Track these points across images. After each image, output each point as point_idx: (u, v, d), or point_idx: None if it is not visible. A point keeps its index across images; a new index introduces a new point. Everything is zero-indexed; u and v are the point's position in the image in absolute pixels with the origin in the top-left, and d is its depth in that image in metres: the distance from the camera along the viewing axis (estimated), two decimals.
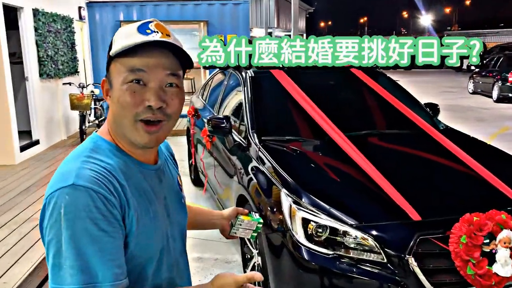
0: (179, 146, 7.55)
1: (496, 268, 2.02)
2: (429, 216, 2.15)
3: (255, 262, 2.81)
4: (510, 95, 12.15)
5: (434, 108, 3.83)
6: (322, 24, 63.11)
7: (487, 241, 2.02)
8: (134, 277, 0.95)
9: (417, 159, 2.84)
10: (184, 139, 5.95)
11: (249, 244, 2.91)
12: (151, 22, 0.98)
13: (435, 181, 2.50)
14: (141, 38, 0.94)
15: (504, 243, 2.03)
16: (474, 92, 15.02)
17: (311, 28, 47.28)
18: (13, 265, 3.15)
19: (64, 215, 0.85)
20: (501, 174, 2.49)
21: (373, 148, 2.97)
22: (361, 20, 64.95)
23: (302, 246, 2.21)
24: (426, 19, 43.53)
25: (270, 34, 22.17)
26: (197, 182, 5.24)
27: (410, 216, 2.14)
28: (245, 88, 3.58)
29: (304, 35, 30.75)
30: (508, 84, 12.13)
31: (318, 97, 3.32)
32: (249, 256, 2.95)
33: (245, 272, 3.02)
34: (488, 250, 2.02)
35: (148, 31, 0.96)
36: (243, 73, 3.80)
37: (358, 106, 3.70)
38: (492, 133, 8.24)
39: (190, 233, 4.05)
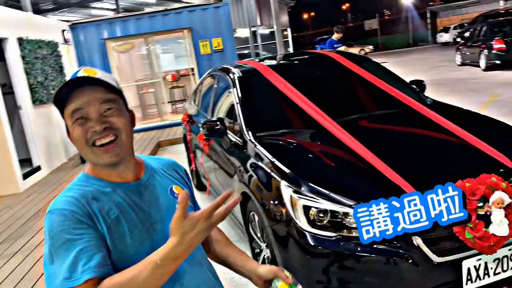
0: (177, 154, 7.65)
1: (492, 228, 2.10)
2: (423, 187, 2.23)
3: (264, 255, 2.90)
4: (497, 62, 12.24)
5: (420, 85, 3.92)
6: (305, 16, 63.15)
7: (481, 204, 2.11)
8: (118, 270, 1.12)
9: (407, 135, 2.93)
10: (181, 147, 6.04)
11: (256, 239, 3.00)
12: (80, 68, 1.18)
13: (426, 154, 2.58)
14: (67, 82, 1.15)
15: (498, 204, 2.12)
16: (462, 64, 15.12)
17: (295, 21, 47.36)
18: None
19: (47, 234, 1.11)
20: (489, 140, 2.58)
21: (364, 130, 3.06)
22: (344, 7, 65.00)
23: (306, 232, 2.29)
24: None
25: (254, 33, 22.26)
26: (200, 187, 5.32)
27: (405, 190, 2.22)
28: (235, 88, 3.66)
29: (289, 29, 30.82)
30: (494, 51, 12.22)
31: (306, 88, 3.41)
32: (258, 250, 3.04)
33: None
34: (483, 213, 2.11)
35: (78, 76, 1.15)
36: (231, 75, 3.88)
37: (346, 92, 3.79)
38: (484, 101, 8.34)
39: None
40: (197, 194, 5.33)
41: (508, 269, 2.23)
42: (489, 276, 2.21)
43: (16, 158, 6.16)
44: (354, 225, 2.23)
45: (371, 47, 36.45)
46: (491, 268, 2.20)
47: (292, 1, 32.80)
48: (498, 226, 2.11)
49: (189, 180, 1.43)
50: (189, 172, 5.42)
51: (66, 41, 9.28)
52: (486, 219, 2.12)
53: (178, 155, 7.58)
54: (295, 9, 40.84)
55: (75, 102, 1.14)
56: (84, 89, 1.14)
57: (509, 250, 2.21)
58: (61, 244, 1.07)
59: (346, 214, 2.24)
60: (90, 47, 9.97)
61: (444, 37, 31.71)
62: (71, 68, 9.40)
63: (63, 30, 9.29)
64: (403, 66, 17.77)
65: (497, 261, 2.21)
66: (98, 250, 1.08)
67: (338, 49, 8.63)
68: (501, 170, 2.33)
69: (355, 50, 33.69)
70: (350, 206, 2.24)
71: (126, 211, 1.17)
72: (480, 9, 31.48)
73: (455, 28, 30.32)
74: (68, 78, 6.92)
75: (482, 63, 13.02)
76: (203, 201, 5.01)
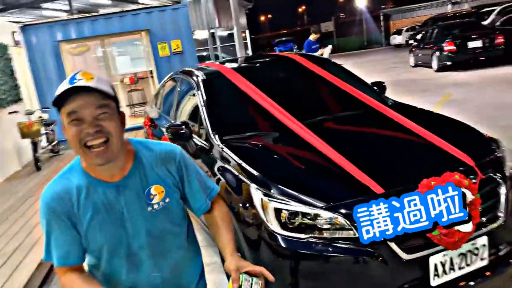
0: None
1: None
2: (391, 187, 2.28)
3: None
4: (448, 63, 12.77)
5: (380, 86, 4.02)
6: (262, 18, 63.59)
7: None
8: (94, 258, 1.45)
9: (372, 136, 2.99)
10: None
11: None
12: (78, 72, 1.31)
13: (391, 154, 2.64)
14: (65, 87, 1.26)
15: None
16: (415, 65, 15.68)
17: (253, 24, 47.60)
18: None
19: (40, 213, 1.40)
20: (448, 138, 2.67)
21: (330, 131, 3.09)
22: (300, 10, 65.96)
23: (277, 235, 2.29)
24: (361, 1, 44.83)
25: (213, 35, 22.16)
26: None
27: (373, 190, 2.27)
28: (199, 91, 3.62)
29: (247, 31, 30.92)
30: (445, 53, 12.76)
31: (271, 90, 3.42)
32: None
33: (226, 272, 3.07)
34: None
35: (75, 80, 1.27)
36: (194, 77, 3.83)
37: (310, 94, 3.83)
38: (437, 101, 8.68)
39: None
40: None
41: (471, 263, 2.32)
42: (454, 271, 2.28)
43: None
44: (325, 226, 2.25)
45: (330, 46, 37.11)
46: (456, 263, 2.28)
47: (250, 3, 32.93)
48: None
49: (185, 165, 1.51)
50: None
51: (16, 44, 8.88)
52: None
53: None
54: (253, 11, 41.04)
55: (71, 104, 1.26)
56: (80, 92, 1.26)
57: (472, 244, 2.30)
58: (43, 227, 1.38)
59: (316, 215, 2.26)
60: (43, 49, 9.57)
61: (397, 39, 32.78)
62: (22, 71, 9.00)
63: (13, 32, 8.88)
64: (360, 68, 18.22)
65: (461, 256, 2.28)
66: (68, 244, 1.37)
67: (317, 53, 8.83)
68: (462, 168, 2.41)
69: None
70: (320, 207, 2.25)
71: (100, 211, 1.37)
72: (430, 13, 32.75)
73: (407, 30, 31.39)
74: (20, 81, 6.64)
75: (434, 64, 13.56)
76: None
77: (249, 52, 27.13)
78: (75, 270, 1.39)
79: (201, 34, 23.11)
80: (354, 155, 2.57)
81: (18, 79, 8.21)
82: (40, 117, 7.60)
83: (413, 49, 15.95)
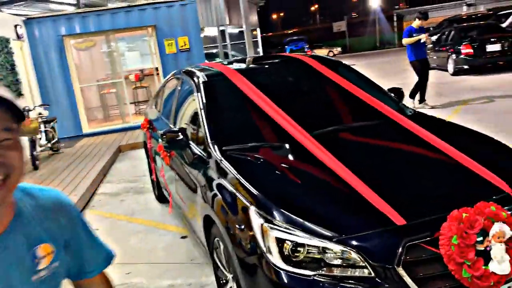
0: (139, 160, 7.18)
1: (492, 266, 1.83)
2: (414, 218, 1.94)
3: (231, 287, 2.55)
4: (465, 67, 12.32)
5: (398, 93, 3.67)
6: (274, 16, 63.13)
7: (481, 238, 1.83)
8: None
9: (391, 152, 2.64)
10: (143, 151, 5.62)
11: (222, 268, 2.65)
12: None
13: (414, 176, 2.29)
14: None
15: (498, 237, 1.84)
16: (430, 68, 15.20)
17: (264, 21, 47.19)
18: None
19: None
20: (479, 159, 2.32)
21: (342, 145, 2.75)
22: (312, 8, 65.39)
23: (279, 270, 1.96)
24: (374, 0, 44.22)
25: (222, 32, 21.87)
26: (161, 198, 4.91)
27: (393, 221, 1.93)
28: (199, 94, 3.29)
29: (258, 29, 30.56)
30: (462, 56, 12.30)
31: (278, 96, 3.09)
32: (224, 281, 2.68)
33: None
34: (482, 248, 1.84)
35: None
36: (195, 78, 3.51)
37: (321, 100, 3.48)
38: (454, 108, 8.27)
39: (157, 258, 3.67)
40: (160, 208, 4.93)
41: None
42: None
43: None
44: (335, 262, 1.92)
45: (339, 49, 36.68)
46: None
47: (262, 1, 32.55)
48: (499, 263, 1.84)
49: (80, 224, 1.18)
50: (149, 181, 4.94)
51: (19, 37, 8.63)
52: (486, 255, 1.84)
53: (139, 161, 7.12)
54: (265, 9, 40.67)
55: None
56: None
57: (509, 287, 1.95)
58: None
59: (326, 249, 1.92)
60: (46, 43, 9.31)
61: None
62: (25, 66, 8.76)
63: (16, 25, 8.63)
64: (372, 69, 17.79)
65: None
66: None
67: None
68: (497, 196, 2.06)
69: (323, 52, 33.85)
70: (331, 239, 1.92)
71: None
72: (444, 14, 32.14)
73: None
74: (21, 76, 6.34)
75: (450, 67, 13.09)
76: (167, 215, 4.61)
77: (260, 50, 26.77)
78: None
79: (211, 31, 22.83)
80: (371, 175, 2.23)
81: (20, 73, 7.96)
82: (40, 114, 7.35)
83: (428, 51, 15.47)
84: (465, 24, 16.15)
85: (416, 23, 8.24)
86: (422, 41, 8.09)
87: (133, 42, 11.79)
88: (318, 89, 3.54)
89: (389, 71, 16.48)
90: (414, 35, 8.17)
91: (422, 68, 8.44)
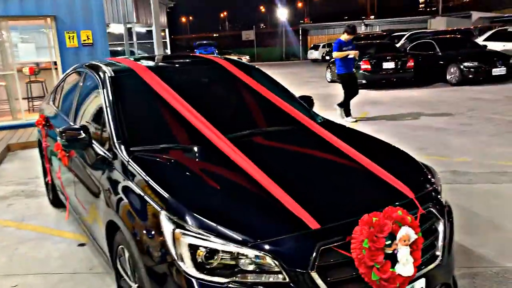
0: (31, 162, 6.55)
1: (398, 268, 1.90)
2: (328, 222, 1.95)
3: None
4: (363, 81, 13.20)
5: (308, 101, 3.75)
6: (183, 19, 62.39)
7: (389, 242, 1.90)
8: None
9: (304, 157, 2.66)
10: (37, 151, 5.10)
11: (126, 277, 2.45)
12: None
13: (326, 181, 2.32)
14: None
15: (404, 241, 1.92)
16: (332, 81, 16.07)
17: (173, 24, 46.37)
18: None
19: None
20: (385, 166, 2.43)
21: (257, 149, 2.71)
22: (222, 15, 65.85)
23: (192, 278, 1.84)
24: (282, 13, 45.85)
25: (129, 30, 21.03)
26: (56, 202, 4.49)
27: (308, 225, 1.92)
28: (105, 90, 3.05)
29: (167, 30, 29.95)
30: (361, 71, 13.16)
31: (191, 96, 2.97)
32: None
33: None
34: (390, 252, 1.90)
35: None
36: (101, 73, 3.25)
37: (235, 103, 3.43)
38: (355, 118, 8.78)
39: (52, 267, 3.34)
40: (54, 213, 4.50)
41: None
42: None
43: None
44: (249, 268, 1.86)
45: (247, 57, 37.31)
46: None
47: (171, 2, 31.99)
48: (404, 266, 1.91)
49: None
50: (43, 184, 4.53)
51: None
52: (392, 258, 1.91)
53: (32, 162, 6.48)
54: (174, 10, 40.02)
55: None
56: None
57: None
58: None
59: (241, 255, 1.85)
60: None
61: (314, 54, 33.83)
62: None
63: None
64: (279, 79, 18.34)
65: None
66: None
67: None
68: (402, 201, 2.17)
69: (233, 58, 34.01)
70: (246, 244, 1.85)
71: None
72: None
73: (323, 46, 32.55)
74: None
75: None
76: (62, 221, 4.21)
77: (168, 52, 26.23)
78: None
79: (117, 28, 21.85)
80: (286, 181, 2.21)
81: None
82: None
83: (330, 65, 16.34)
84: (363, 42, 17.38)
85: (344, 37, 8.49)
86: (350, 56, 8.36)
87: (28, 33, 10.80)
88: (232, 92, 3.49)
89: (295, 82, 17.11)
90: (344, 48, 8.38)
91: (349, 81, 8.67)
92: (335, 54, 8.44)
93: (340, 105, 8.94)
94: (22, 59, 10.39)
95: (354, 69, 8.81)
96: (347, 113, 8.77)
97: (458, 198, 4.23)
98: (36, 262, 3.45)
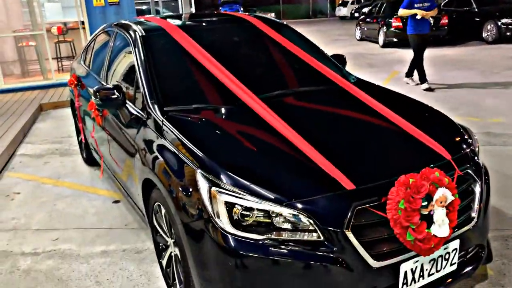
0: (63, 120, 6.71)
1: (434, 229, 1.90)
2: (363, 182, 1.95)
3: (171, 253, 2.45)
4: (395, 40, 12.79)
5: (341, 59, 3.67)
6: None
7: (425, 203, 1.88)
8: None
9: (338, 118, 2.63)
10: (69, 110, 5.21)
11: (162, 233, 2.53)
12: None
13: (361, 142, 2.30)
14: None
15: (441, 202, 1.91)
16: (361, 39, 15.63)
17: None
18: None
19: None
20: (422, 126, 2.38)
21: (290, 109, 2.69)
22: None
23: (228, 234, 1.89)
24: None
25: None
26: (90, 161, 4.62)
27: (343, 185, 1.92)
28: (136, 50, 3.05)
29: None
30: (392, 29, 12.72)
31: (221, 56, 2.95)
32: (164, 246, 2.58)
33: (159, 262, 2.65)
34: (426, 213, 1.89)
35: None
36: (131, 32, 3.25)
37: (265, 63, 3.37)
38: (384, 78, 8.57)
39: (87, 223, 3.46)
40: (88, 171, 4.64)
41: (441, 269, 2.07)
42: (423, 278, 2.02)
43: None
44: (284, 226, 1.89)
45: (273, 14, 36.44)
46: (426, 270, 2.02)
47: None
48: (440, 227, 1.91)
49: None
50: (76, 143, 4.63)
51: None
52: (428, 219, 1.91)
53: (64, 121, 6.64)
54: None
55: None
56: None
57: (445, 249, 2.05)
58: None
59: (276, 213, 1.88)
60: None
61: (342, 11, 32.79)
62: None
63: None
64: (309, 37, 17.92)
65: (432, 262, 2.03)
66: None
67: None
68: (440, 162, 2.13)
69: None
70: (281, 203, 1.87)
71: None
72: None
73: (352, 3, 31.45)
74: None
75: (381, 39, 13.53)
76: (97, 180, 4.35)
77: (193, 10, 25.84)
78: None
79: None
80: (320, 140, 2.20)
81: None
82: None
83: (360, 23, 15.84)
84: None
85: None
86: (418, 17, 7.02)
87: None
88: (263, 50, 3.43)
89: (323, 41, 16.71)
90: (415, 5, 7.06)
91: (422, 44, 7.41)
92: (400, 12, 7.28)
93: (408, 74, 7.91)
94: (49, 19, 10.45)
95: (429, 30, 7.39)
96: (422, 80, 7.53)
97: (491, 160, 4.14)
98: (74, 218, 3.60)
